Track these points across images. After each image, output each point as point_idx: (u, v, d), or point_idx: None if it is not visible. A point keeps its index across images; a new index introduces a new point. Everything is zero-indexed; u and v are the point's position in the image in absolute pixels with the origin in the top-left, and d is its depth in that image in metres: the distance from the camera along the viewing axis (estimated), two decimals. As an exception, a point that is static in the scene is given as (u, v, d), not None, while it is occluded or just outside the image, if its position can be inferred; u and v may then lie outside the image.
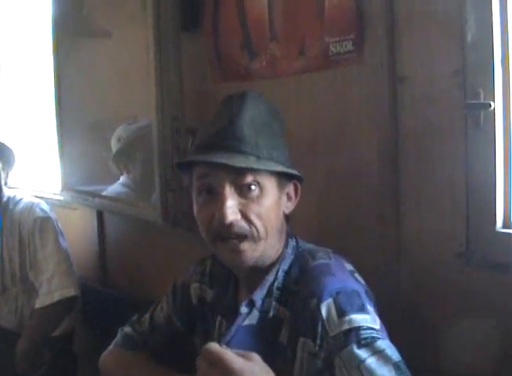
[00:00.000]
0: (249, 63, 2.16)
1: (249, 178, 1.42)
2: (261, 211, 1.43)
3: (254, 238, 1.44)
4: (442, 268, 1.69)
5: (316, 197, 1.85)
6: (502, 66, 1.55)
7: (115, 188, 2.96)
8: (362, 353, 1.30)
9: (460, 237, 1.64)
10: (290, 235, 1.57)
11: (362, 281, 1.49)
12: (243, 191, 1.43)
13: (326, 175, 1.91)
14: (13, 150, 2.97)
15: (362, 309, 1.36)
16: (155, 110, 2.27)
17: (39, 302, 2.78)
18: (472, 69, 1.57)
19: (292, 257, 1.53)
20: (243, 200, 1.43)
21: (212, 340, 1.55)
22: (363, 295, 1.41)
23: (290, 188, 1.53)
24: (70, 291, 2.79)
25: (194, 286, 1.77)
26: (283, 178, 1.49)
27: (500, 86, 1.55)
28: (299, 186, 1.55)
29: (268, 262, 1.52)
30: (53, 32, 3.14)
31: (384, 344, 1.32)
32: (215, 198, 1.43)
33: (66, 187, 3.12)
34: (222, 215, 1.40)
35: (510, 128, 1.57)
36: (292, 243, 1.55)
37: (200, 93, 2.37)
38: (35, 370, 2.69)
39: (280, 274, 1.50)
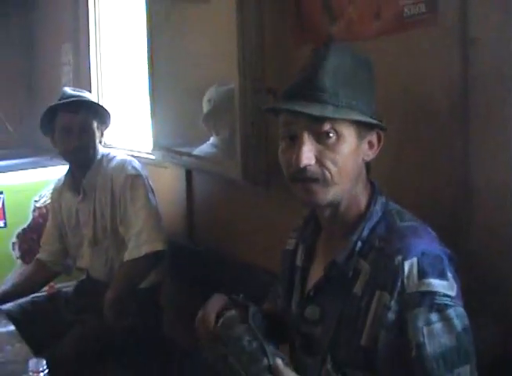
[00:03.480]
0: (329, 26, 2.18)
1: (326, 127, 1.50)
2: (336, 158, 1.51)
3: (327, 182, 1.52)
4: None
5: (389, 153, 1.86)
6: None
7: (204, 148, 3.04)
8: (431, 317, 1.40)
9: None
10: (379, 192, 1.63)
11: (447, 248, 1.53)
12: (320, 138, 1.51)
13: (400, 134, 1.92)
14: (108, 110, 3.10)
15: (441, 275, 1.44)
16: (237, 71, 2.36)
17: (128, 255, 2.92)
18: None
19: (380, 214, 1.59)
20: (320, 147, 1.52)
21: (293, 289, 1.75)
22: (445, 261, 1.47)
23: (373, 136, 1.59)
24: (158, 246, 2.91)
25: (288, 242, 1.88)
26: (363, 126, 1.55)
27: None
28: (382, 135, 1.61)
29: (351, 209, 1.60)
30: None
31: (454, 312, 1.41)
32: (295, 144, 1.53)
33: (157, 146, 3.23)
34: (298, 160, 1.50)
35: None
36: (381, 200, 1.61)
37: (282, 55, 2.41)
38: (121, 319, 2.81)
39: (366, 232, 1.57)
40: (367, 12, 2.03)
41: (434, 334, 1.39)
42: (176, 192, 3.29)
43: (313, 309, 1.65)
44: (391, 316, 1.44)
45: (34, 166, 4.33)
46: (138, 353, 2.89)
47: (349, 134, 1.53)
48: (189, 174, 3.20)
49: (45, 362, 1.53)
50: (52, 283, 3.41)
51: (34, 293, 3.16)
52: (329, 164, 1.52)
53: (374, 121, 1.56)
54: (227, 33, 2.62)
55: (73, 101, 2.99)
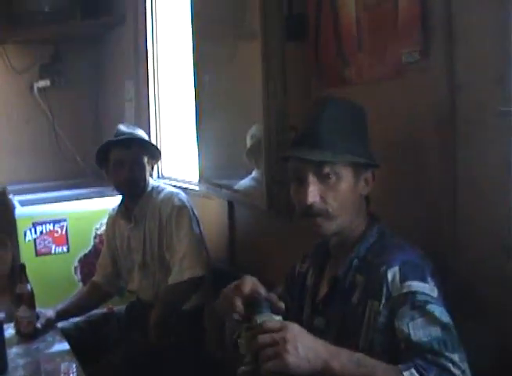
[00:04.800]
0: (342, 70, 2.41)
1: (326, 169, 1.79)
2: (336, 195, 1.80)
3: (330, 216, 1.81)
4: (491, 261, 1.85)
5: (382, 189, 2.03)
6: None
7: (245, 181, 3.24)
8: (414, 314, 1.60)
9: (505, 231, 1.80)
10: (376, 220, 1.91)
11: (431, 263, 1.77)
12: (323, 179, 1.80)
13: (394, 170, 2.13)
14: (158, 147, 3.38)
15: (422, 279, 1.67)
16: (262, 111, 2.58)
17: (171, 279, 3.18)
18: (508, 78, 1.74)
19: (375, 237, 1.86)
20: (322, 187, 1.80)
21: (303, 304, 2.01)
22: (426, 270, 1.71)
23: (368, 174, 1.87)
24: (199, 272, 3.15)
25: (298, 265, 2.15)
26: (359, 166, 1.83)
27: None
28: (374, 173, 1.88)
29: (352, 236, 1.88)
30: (193, 33, 3.49)
31: (435, 308, 1.61)
32: (302, 185, 1.81)
33: (202, 179, 3.48)
34: (305, 198, 1.79)
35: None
36: (377, 226, 1.88)
37: (305, 96, 2.64)
38: (165, 338, 3.05)
39: (362, 249, 1.85)
40: (373, 59, 2.26)
41: (419, 327, 1.57)
42: (220, 221, 3.54)
43: (320, 320, 1.92)
44: (381, 320, 1.67)
45: (96, 195, 4.66)
46: (180, 370, 3.13)
47: (347, 174, 1.81)
48: (231, 205, 3.45)
49: (74, 365, 1.78)
50: (110, 306, 3.66)
51: (88, 312, 3.44)
52: (331, 200, 1.80)
53: (368, 161, 1.84)
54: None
55: (126, 138, 3.27)
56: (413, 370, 1.47)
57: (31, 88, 5.69)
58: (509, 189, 1.78)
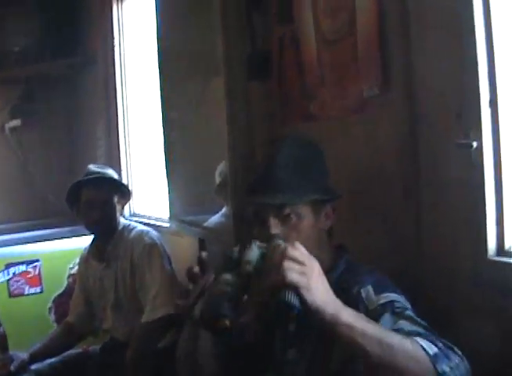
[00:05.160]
0: (307, 106, 2.46)
1: (287, 211, 1.81)
2: (298, 234, 1.80)
3: None
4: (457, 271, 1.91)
5: (346, 215, 2.10)
6: (490, 108, 1.76)
7: (215, 218, 3.30)
8: (394, 318, 1.60)
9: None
10: (344, 251, 1.94)
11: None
12: (284, 220, 1.82)
13: (359, 199, 2.20)
14: (128, 186, 3.39)
15: (395, 292, 1.71)
16: (227, 149, 2.60)
17: (144, 317, 3.17)
18: (466, 111, 1.80)
19: (344, 266, 1.89)
20: (284, 228, 1.81)
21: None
22: (396, 289, 1.74)
23: (328, 209, 1.89)
24: (171, 309, 3.12)
25: None
26: (318, 203, 1.85)
27: (489, 127, 1.76)
28: (334, 207, 1.90)
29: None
30: (161, 70, 3.54)
31: (413, 314, 1.62)
32: (264, 228, 1.82)
33: (173, 217, 3.49)
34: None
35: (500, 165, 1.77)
36: (346, 257, 1.91)
37: (271, 132, 2.67)
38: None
39: (331, 279, 1.78)
40: (336, 95, 2.31)
41: (406, 325, 1.54)
42: (192, 258, 3.52)
43: (293, 352, 1.91)
44: None
45: (69, 235, 4.62)
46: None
47: (307, 213, 1.84)
48: (202, 241, 3.43)
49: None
50: (85, 346, 3.65)
51: (62, 353, 3.41)
52: (293, 240, 1.77)
53: (326, 197, 1.86)
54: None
55: (96, 177, 3.29)
56: (420, 339, 1.44)
57: (2, 128, 5.66)
58: (470, 211, 1.84)
